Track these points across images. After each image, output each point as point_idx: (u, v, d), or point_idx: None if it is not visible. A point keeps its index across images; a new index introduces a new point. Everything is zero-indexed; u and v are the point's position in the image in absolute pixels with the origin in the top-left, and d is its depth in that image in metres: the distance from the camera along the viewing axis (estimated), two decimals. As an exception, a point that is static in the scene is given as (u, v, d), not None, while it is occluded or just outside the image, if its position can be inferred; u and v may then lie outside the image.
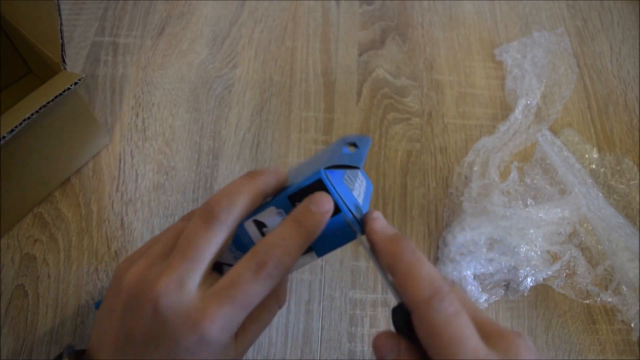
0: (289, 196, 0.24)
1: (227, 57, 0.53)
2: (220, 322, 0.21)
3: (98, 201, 0.44)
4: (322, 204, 0.23)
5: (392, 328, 0.23)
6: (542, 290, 0.42)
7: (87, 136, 0.44)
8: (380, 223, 0.24)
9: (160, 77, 0.51)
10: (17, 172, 0.39)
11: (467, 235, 0.41)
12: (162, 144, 0.48)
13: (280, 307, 0.26)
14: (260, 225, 0.25)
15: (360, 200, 0.26)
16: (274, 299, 0.26)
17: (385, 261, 0.22)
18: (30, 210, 0.43)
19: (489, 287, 0.42)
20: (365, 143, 0.28)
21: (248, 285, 0.22)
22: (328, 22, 0.57)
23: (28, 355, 0.37)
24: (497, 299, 0.41)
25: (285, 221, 0.23)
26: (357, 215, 0.25)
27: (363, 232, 0.24)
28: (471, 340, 0.19)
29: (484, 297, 0.41)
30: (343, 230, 0.24)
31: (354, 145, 0.28)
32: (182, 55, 0.53)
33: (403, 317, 0.21)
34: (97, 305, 0.31)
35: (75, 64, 0.52)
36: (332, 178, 0.24)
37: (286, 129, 0.49)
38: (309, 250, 0.25)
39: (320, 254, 0.25)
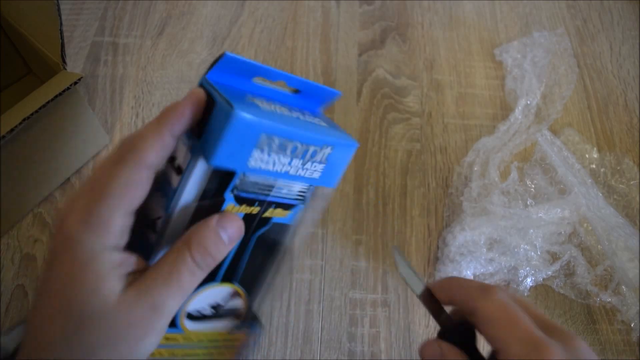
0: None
1: (227, 57, 0.53)
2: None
3: (98, 201, 0.44)
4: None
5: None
6: (542, 290, 0.42)
7: (87, 136, 0.44)
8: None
9: (160, 77, 0.51)
10: (17, 172, 0.39)
11: (467, 235, 0.41)
12: (162, 144, 0.47)
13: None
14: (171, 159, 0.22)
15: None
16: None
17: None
18: (31, 210, 0.43)
19: (489, 287, 0.42)
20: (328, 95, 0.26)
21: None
22: (328, 22, 0.57)
23: (28, 355, 0.37)
24: (497, 299, 0.41)
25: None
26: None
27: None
28: (524, 320, 0.21)
29: (484, 297, 0.41)
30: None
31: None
32: (182, 55, 0.53)
33: (453, 329, 0.23)
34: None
35: (75, 64, 0.52)
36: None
37: (286, 129, 0.49)
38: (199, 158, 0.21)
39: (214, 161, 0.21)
